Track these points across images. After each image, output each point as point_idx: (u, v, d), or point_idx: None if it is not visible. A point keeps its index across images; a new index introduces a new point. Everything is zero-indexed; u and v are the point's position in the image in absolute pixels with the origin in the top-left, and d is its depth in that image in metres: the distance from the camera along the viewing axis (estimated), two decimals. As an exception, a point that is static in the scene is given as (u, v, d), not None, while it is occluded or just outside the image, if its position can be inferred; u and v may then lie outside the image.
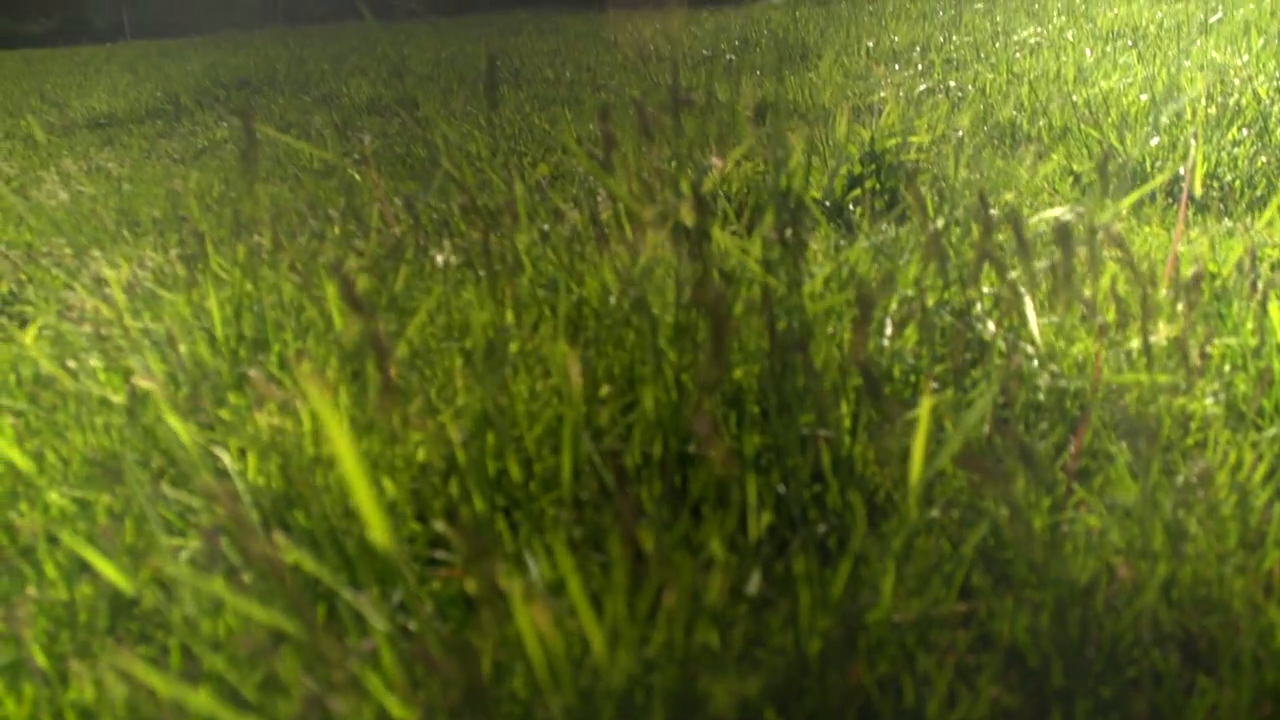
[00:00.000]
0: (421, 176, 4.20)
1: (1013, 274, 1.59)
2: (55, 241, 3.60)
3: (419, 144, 4.70)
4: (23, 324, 2.75)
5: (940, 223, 1.86)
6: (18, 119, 8.58)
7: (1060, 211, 2.66)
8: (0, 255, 3.60)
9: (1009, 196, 3.22)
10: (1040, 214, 2.67)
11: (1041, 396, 1.51)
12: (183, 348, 1.58)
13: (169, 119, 7.53)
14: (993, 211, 1.54)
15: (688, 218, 1.34)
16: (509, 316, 1.48)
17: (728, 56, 6.97)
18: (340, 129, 5.54)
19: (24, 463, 1.48)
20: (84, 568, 1.19)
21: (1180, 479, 1.11)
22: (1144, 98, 4.44)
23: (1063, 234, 1.41)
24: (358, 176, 3.42)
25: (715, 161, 2.44)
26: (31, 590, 1.17)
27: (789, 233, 1.29)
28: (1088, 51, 6.19)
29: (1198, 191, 3.13)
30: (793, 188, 2.50)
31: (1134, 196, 1.93)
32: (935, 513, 1.18)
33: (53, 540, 1.28)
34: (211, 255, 2.02)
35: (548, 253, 1.70)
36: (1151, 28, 7.46)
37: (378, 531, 0.75)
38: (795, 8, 12.10)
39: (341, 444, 0.71)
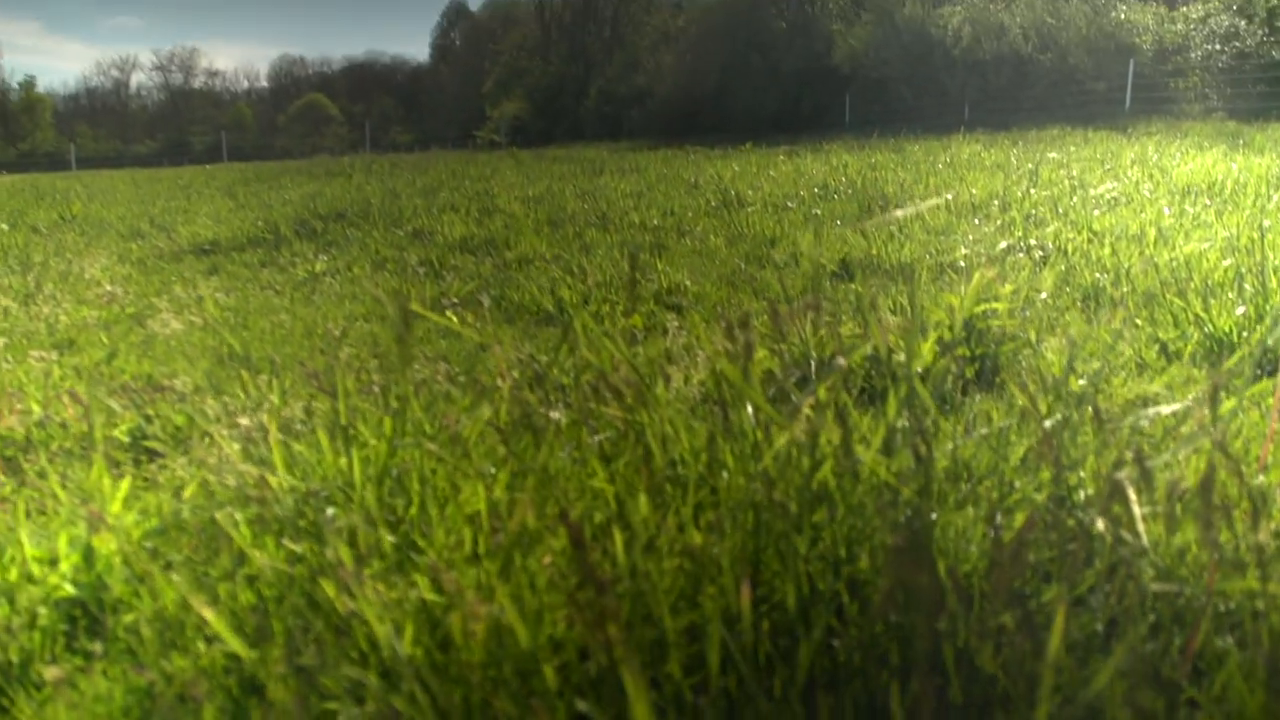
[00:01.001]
0: (523, 323, 4.38)
1: (1118, 468, 1.65)
2: (177, 377, 3.80)
3: (514, 288, 4.89)
4: (153, 462, 2.90)
5: (1044, 408, 1.93)
6: (129, 242, 9.05)
7: (1159, 397, 2.73)
8: (123, 388, 3.81)
9: (1096, 365, 3.27)
10: (1132, 393, 2.73)
11: (1151, 593, 1.55)
12: (330, 511, 1.69)
13: (269, 248, 7.88)
14: (1094, 402, 1.61)
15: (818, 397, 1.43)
16: (643, 503, 1.57)
17: (809, 205, 7.19)
18: (435, 268, 5.78)
19: (181, 613, 1.58)
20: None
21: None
22: (1227, 263, 4.49)
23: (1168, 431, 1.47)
24: (474, 334, 3.57)
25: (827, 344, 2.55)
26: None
27: (916, 437, 1.37)
28: (1166, 209, 6.27)
29: (1288, 368, 3.15)
30: (891, 360, 2.59)
31: (1227, 367, 1.99)
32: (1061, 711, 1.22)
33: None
34: (342, 410, 2.15)
35: (675, 432, 1.79)
36: (1228, 184, 7.55)
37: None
38: (872, 154, 12.41)
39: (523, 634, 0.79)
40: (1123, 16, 27.94)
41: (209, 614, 1.59)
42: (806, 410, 1.61)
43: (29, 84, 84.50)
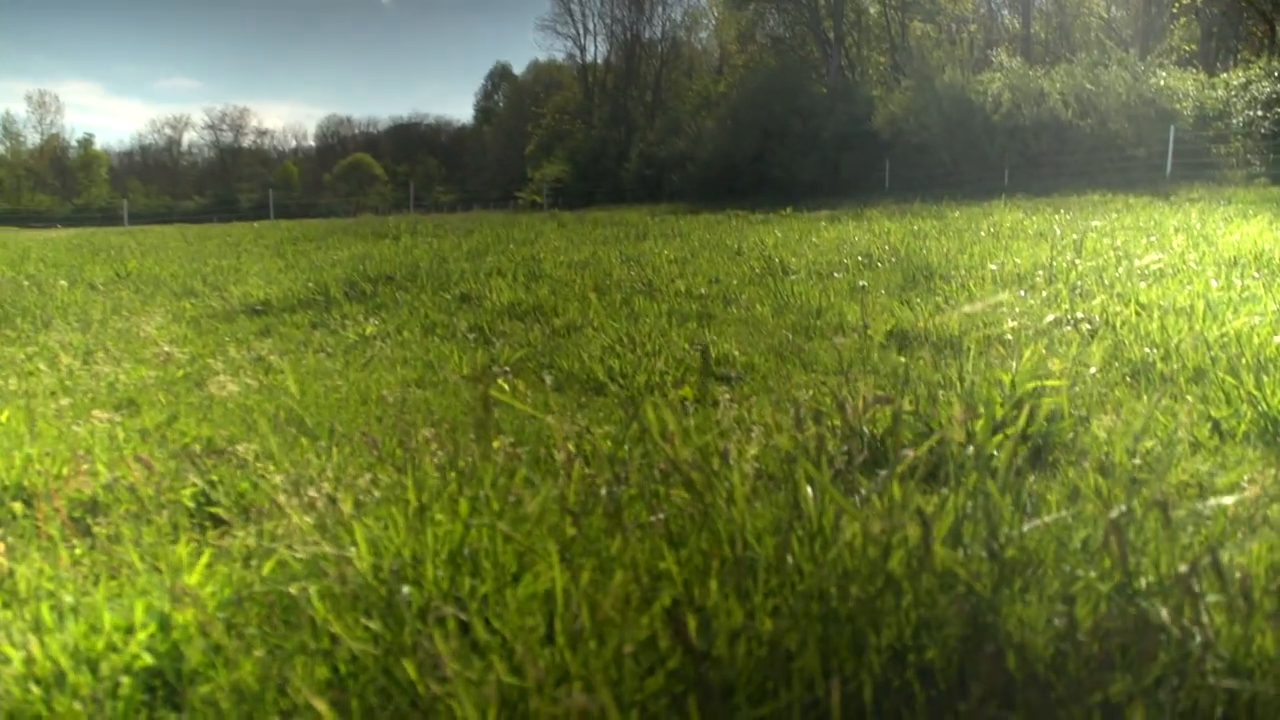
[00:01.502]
0: (573, 391, 4.44)
1: (1184, 558, 1.66)
2: (237, 442, 3.89)
3: (564, 355, 4.96)
4: (218, 529, 2.97)
5: (1103, 490, 1.95)
6: (182, 300, 9.25)
7: (1215, 478, 2.73)
8: (185, 452, 3.90)
9: (1148, 444, 3.27)
10: (1187, 474, 2.74)
11: (1221, 688, 1.56)
12: (405, 589, 1.73)
13: (319, 309, 8.03)
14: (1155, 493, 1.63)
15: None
16: (714, 588, 1.61)
17: (853, 274, 7.24)
18: (485, 334, 5.87)
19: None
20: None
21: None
22: (1278, 339, 4.48)
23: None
24: (526, 404, 3.63)
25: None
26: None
27: (983, 525, 1.40)
28: (1213, 281, 6.26)
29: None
30: (949, 440, 2.61)
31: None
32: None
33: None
34: (411, 490, 2.20)
35: (743, 516, 1.83)
36: (1276, 253, 7.53)
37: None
38: (914, 221, 12.48)
39: None
40: (1163, 83, 28.03)
41: (303, 688, 1.64)
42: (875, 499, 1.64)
43: (87, 142, 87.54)
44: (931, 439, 1.99)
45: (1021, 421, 3.27)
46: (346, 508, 2.06)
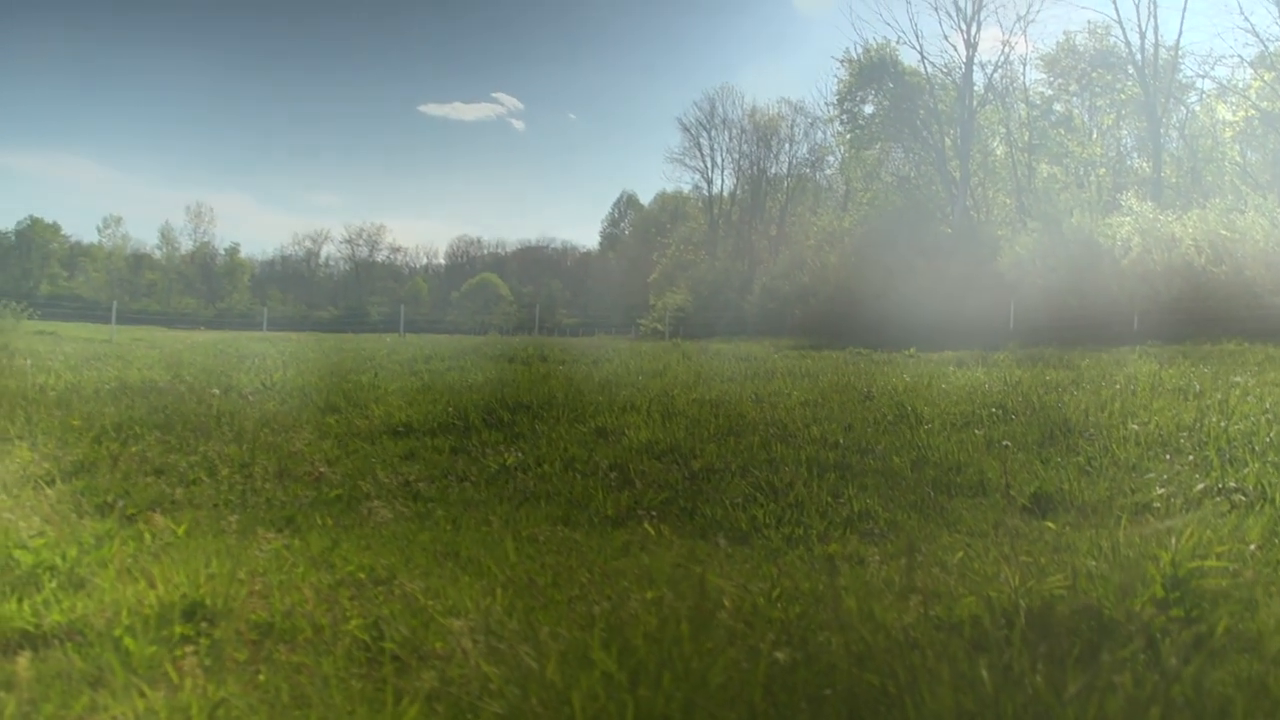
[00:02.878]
0: (715, 538, 4.53)
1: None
2: (398, 573, 4.07)
3: (704, 500, 5.06)
4: (392, 663, 3.12)
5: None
6: (326, 416, 9.67)
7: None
8: (351, 580, 4.10)
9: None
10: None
11: None
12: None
13: (459, 434, 8.31)
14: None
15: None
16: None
17: (988, 427, 7.22)
18: (625, 473, 6.02)
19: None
20: None
21: None
22: None
23: None
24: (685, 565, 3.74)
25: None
26: None
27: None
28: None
29: None
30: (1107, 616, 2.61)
31: None
32: None
33: None
34: (608, 659, 2.31)
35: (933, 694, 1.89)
36: None
37: None
38: (1044, 370, 12.34)
39: None
40: (1304, 227, 27.34)
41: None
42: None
43: (233, 250, 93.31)
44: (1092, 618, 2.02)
45: (1186, 604, 3.24)
46: (532, 662, 2.18)
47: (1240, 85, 39.91)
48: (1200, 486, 5.24)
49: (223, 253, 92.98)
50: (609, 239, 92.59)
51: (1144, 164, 43.47)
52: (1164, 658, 2.96)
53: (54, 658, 3.19)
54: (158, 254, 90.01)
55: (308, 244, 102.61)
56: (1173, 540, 3.57)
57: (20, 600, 3.66)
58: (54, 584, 3.90)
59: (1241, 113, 40.04)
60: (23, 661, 3.16)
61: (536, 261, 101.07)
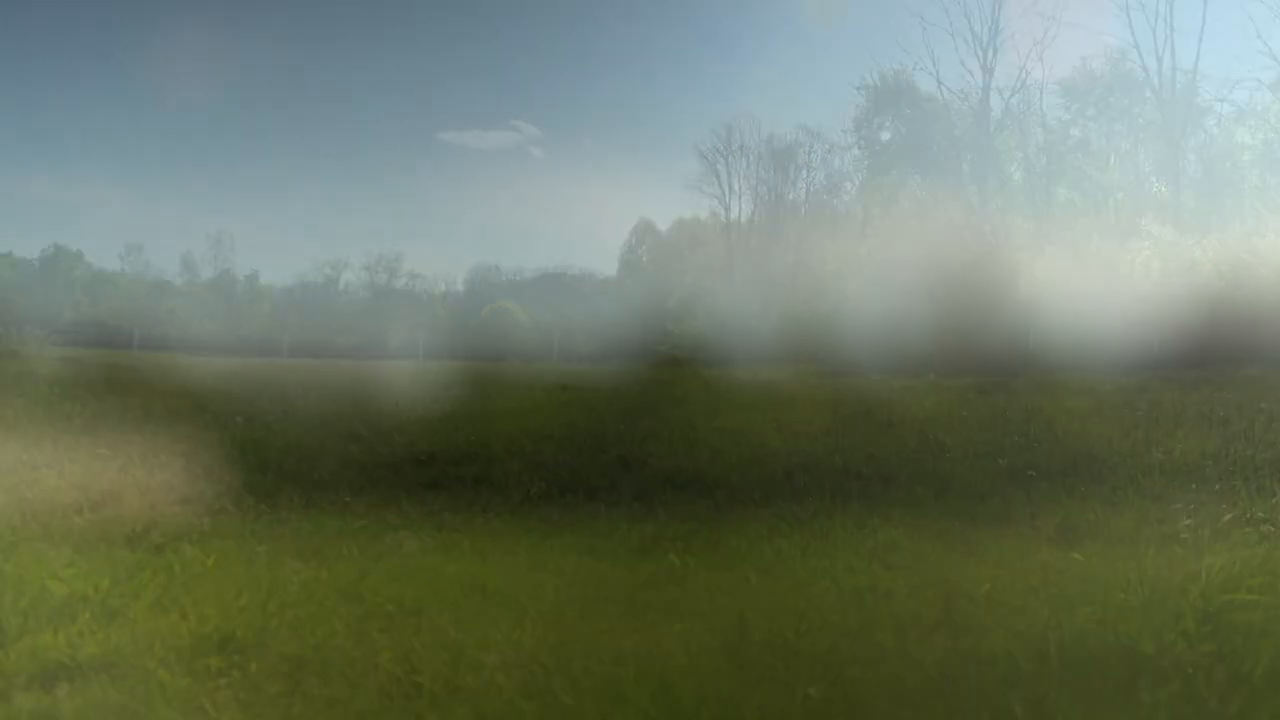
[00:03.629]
0: (742, 570, 4.54)
1: None
2: (425, 605, 4.10)
3: (728, 530, 5.08)
4: (424, 697, 3.15)
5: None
6: (350, 444, 9.70)
7: None
8: (381, 612, 4.13)
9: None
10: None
11: None
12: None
13: (482, 463, 8.33)
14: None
15: None
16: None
17: (1011, 456, 7.22)
18: (649, 503, 6.05)
19: None
20: None
21: None
22: None
23: None
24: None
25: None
26: None
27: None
28: None
29: None
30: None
31: None
32: None
33: None
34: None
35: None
36: None
37: None
38: (1065, 397, 12.30)
39: None
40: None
41: None
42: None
43: (253, 277, 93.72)
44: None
45: (1219, 639, 3.23)
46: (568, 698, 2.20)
47: (1259, 108, 39.83)
48: (1228, 517, 5.22)
49: (243, 279, 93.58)
50: (627, 265, 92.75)
51: (1162, 188, 43.34)
52: (1203, 698, 2.93)
53: (91, 690, 3.22)
54: (179, 281, 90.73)
55: (327, 271, 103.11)
56: (1202, 573, 3.57)
57: (56, 631, 3.70)
58: (87, 615, 3.93)
59: (1260, 136, 39.91)
60: (61, 693, 3.20)
61: (555, 288, 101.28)
